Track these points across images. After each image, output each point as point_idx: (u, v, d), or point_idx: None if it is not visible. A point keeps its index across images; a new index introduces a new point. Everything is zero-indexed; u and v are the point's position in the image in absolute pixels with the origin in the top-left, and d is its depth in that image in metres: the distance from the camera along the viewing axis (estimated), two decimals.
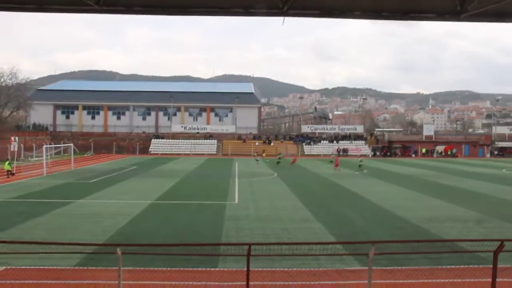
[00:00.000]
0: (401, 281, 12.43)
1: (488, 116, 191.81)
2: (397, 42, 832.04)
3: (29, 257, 11.53)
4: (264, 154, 79.67)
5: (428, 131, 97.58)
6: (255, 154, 62.40)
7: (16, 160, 50.77)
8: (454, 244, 15.76)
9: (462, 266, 13.85)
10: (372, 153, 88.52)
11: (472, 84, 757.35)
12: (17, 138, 60.97)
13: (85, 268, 13.51)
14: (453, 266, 13.90)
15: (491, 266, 9.02)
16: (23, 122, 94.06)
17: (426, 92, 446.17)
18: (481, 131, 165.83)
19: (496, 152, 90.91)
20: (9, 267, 12.93)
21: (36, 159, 59.33)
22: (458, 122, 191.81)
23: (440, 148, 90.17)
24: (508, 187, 36.51)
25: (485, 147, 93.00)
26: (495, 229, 20.14)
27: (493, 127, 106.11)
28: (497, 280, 9.07)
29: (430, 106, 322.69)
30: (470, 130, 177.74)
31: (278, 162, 60.15)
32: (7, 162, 42.24)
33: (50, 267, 12.89)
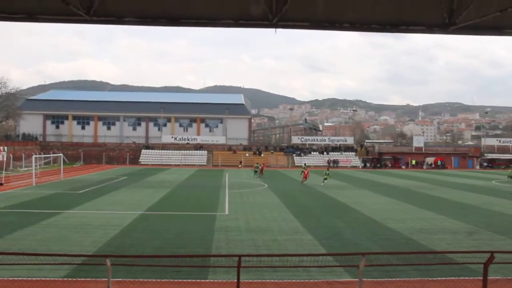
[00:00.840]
0: None
1: (477, 128, 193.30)
2: (386, 54, 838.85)
3: (17, 268, 11.40)
4: (240, 166, 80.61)
5: (418, 142, 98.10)
6: (256, 165, 62.04)
7: (5, 170, 50.38)
8: (445, 256, 15.80)
9: (453, 278, 13.88)
10: (363, 164, 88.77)
11: (462, 96, 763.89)
12: (6, 147, 60.65)
13: (74, 279, 13.36)
14: (443, 278, 13.92)
15: (482, 278, 9.04)
16: (13, 132, 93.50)
17: (415, 103, 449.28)
18: (470, 142, 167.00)
19: (485, 164, 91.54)
20: None
21: (25, 169, 58.89)
22: (448, 134, 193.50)
23: (430, 159, 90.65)
24: (498, 199, 36.71)
25: (474, 158, 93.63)
26: (485, 241, 20.22)
27: (482, 139, 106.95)
28: None
29: (420, 118, 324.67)
30: (459, 141, 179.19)
31: (256, 172, 59.86)
32: None
33: (38, 279, 12.74)
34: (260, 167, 60.97)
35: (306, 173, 50.92)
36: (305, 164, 74.12)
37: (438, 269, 14.42)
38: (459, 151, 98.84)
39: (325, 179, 47.62)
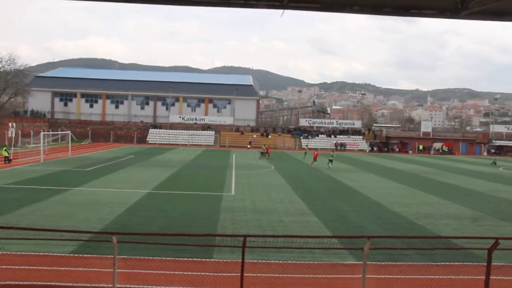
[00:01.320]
0: (395, 276, 12.48)
1: (486, 115, 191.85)
2: (396, 38, 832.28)
3: (24, 243, 11.53)
4: (249, 146, 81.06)
5: (426, 127, 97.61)
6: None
7: (14, 147, 50.69)
8: (449, 241, 15.81)
9: (457, 263, 13.92)
10: (370, 148, 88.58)
11: (471, 82, 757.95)
12: (14, 124, 60.95)
13: (81, 255, 13.53)
14: (447, 263, 13.97)
15: (485, 263, 9.06)
16: (21, 109, 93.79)
17: (424, 89, 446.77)
18: (478, 129, 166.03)
19: (493, 151, 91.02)
20: (5, 252, 12.94)
21: (34, 146, 59.20)
22: (456, 120, 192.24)
23: (437, 145, 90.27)
24: (504, 186, 36.62)
25: (482, 145, 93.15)
26: (490, 227, 20.23)
27: (491, 126, 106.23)
28: (490, 277, 9.10)
29: (429, 103, 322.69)
30: (467, 128, 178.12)
31: (262, 153, 59.96)
32: (4, 148, 42.19)
33: (45, 254, 12.90)
34: (265, 149, 61.17)
35: (316, 154, 51.16)
36: (307, 145, 74.38)
37: (442, 254, 14.46)
38: (467, 137, 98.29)
39: (330, 161, 47.75)
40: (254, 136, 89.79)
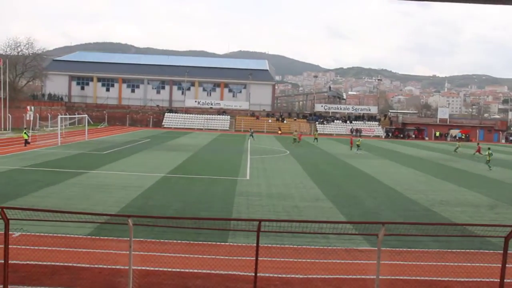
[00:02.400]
0: (410, 262, 12.47)
1: (505, 101, 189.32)
2: (413, 23, 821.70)
3: (43, 224, 11.69)
4: (280, 132, 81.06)
5: (442, 114, 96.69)
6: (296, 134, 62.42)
7: (32, 130, 51.25)
8: (465, 229, 15.72)
9: (472, 251, 13.85)
10: (385, 134, 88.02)
11: (490, 68, 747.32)
12: (32, 107, 61.63)
13: (98, 237, 13.73)
14: (462, 250, 13.91)
15: (502, 251, 9.00)
16: (39, 92, 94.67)
17: (442, 75, 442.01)
18: (497, 116, 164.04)
19: (511, 138, 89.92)
20: (24, 233, 13.17)
21: (51, 129, 59.86)
22: (474, 107, 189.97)
23: (454, 132, 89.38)
24: None
25: (500, 132, 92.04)
26: (507, 215, 20.06)
27: (510, 113, 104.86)
28: (507, 266, 9.05)
29: (446, 89, 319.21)
30: (485, 115, 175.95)
31: (295, 139, 58.45)
32: (24, 131, 42.72)
33: (63, 235, 13.10)
34: (298, 135, 60.10)
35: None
36: (317, 131, 74.65)
37: (457, 241, 14.40)
38: (485, 124, 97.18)
39: (358, 146, 48.60)
40: (270, 121, 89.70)
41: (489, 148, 39.92)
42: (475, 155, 48.49)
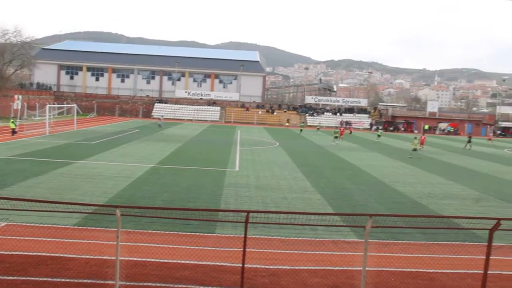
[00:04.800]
0: (396, 254, 12.57)
1: (494, 96, 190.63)
2: (404, 15, 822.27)
3: (29, 214, 11.66)
4: (288, 124, 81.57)
5: (432, 107, 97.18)
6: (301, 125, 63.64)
7: (19, 119, 50.85)
8: (451, 221, 15.88)
9: (458, 243, 14.02)
10: (369, 127, 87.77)
11: (479, 63, 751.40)
12: (20, 96, 60.98)
13: (85, 227, 13.68)
14: (448, 242, 14.06)
15: (486, 243, 9.10)
16: (27, 81, 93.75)
17: (432, 68, 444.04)
18: (485, 110, 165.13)
19: (498, 132, 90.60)
20: (10, 223, 13.10)
21: (39, 118, 59.41)
22: (463, 100, 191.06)
23: (443, 125, 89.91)
24: (508, 167, 36.56)
25: (488, 126, 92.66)
26: (492, 208, 20.27)
27: (498, 107, 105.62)
28: (491, 257, 9.15)
29: (436, 83, 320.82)
30: (474, 108, 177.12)
31: (336, 137, 56.93)
32: (12, 120, 42.35)
33: (50, 225, 13.06)
34: (339, 131, 58.24)
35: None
36: (339, 123, 75.89)
37: (443, 233, 14.53)
38: (473, 118, 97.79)
39: (379, 136, 49.81)
40: (260, 112, 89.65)
41: (415, 138, 42.61)
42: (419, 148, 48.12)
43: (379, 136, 60.69)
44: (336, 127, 64.69)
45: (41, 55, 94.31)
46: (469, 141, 53.90)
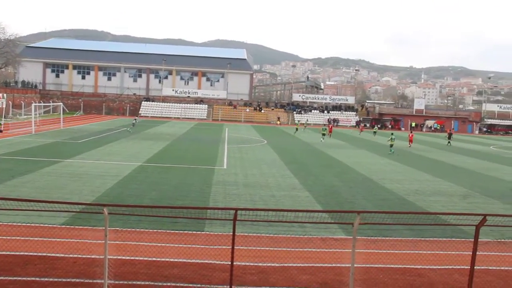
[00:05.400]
0: (384, 251, 12.64)
1: (479, 93, 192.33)
2: (391, 14, 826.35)
3: (16, 214, 11.55)
4: (279, 122, 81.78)
5: (419, 105, 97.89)
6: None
7: (4, 118, 50.36)
8: (438, 217, 16.02)
9: (445, 239, 14.15)
10: (363, 125, 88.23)
11: (465, 61, 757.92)
12: (5, 95, 60.44)
13: (72, 227, 13.59)
14: (436, 238, 14.17)
15: (473, 239, 9.19)
16: (12, 79, 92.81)
17: (418, 66, 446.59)
18: (471, 107, 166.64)
19: (484, 129, 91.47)
20: None
21: (25, 117, 58.85)
22: (449, 98, 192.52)
23: (430, 122, 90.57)
24: (494, 164, 36.91)
25: (474, 123, 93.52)
26: (479, 204, 20.45)
27: (483, 104, 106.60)
28: (477, 253, 9.25)
29: (422, 81, 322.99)
30: (460, 106, 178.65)
31: (324, 135, 56.29)
32: None
33: (37, 225, 12.94)
34: (328, 129, 57.15)
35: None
36: (327, 121, 74.96)
37: (431, 230, 14.65)
38: (459, 115, 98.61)
39: (375, 133, 48.75)
40: (247, 110, 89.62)
41: (392, 134, 44.39)
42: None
43: (375, 133, 62.54)
44: (324, 125, 65.01)
45: (26, 53, 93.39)
46: (449, 137, 54.81)
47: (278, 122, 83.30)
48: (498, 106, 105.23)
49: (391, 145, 41.57)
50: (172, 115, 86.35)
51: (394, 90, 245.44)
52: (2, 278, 9.79)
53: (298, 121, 74.09)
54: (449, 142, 54.05)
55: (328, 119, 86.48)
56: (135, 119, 52.40)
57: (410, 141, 49.35)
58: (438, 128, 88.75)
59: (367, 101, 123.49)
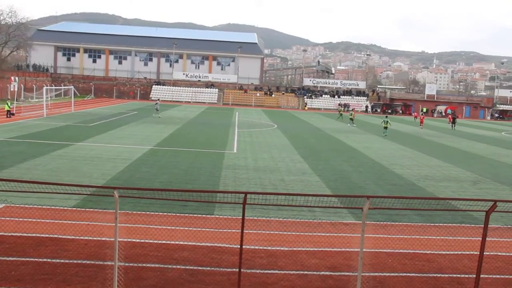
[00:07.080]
0: (393, 236, 12.64)
1: (492, 79, 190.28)
2: None
3: (28, 196, 11.68)
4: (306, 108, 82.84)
5: (430, 90, 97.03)
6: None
7: (16, 101, 50.64)
8: (448, 203, 15.96)
9: (455, 225, 14.11)
10: (364, 110, 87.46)
11: (478, 46, 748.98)
12: (17, 78, 60.64)
13: (83, 209, 13.73)
14: (445, 224, 14.15)
15: (482, 225, 9.16)
16: (23, 63, 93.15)
17: (430, 51, 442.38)
18: (483, 93, 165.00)
19: (496, 115, 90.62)
20: (9, 204, 13.12)
21: (36, 100, 59.13)
22: (461, 83, 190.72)
23: (441, 108, 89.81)
24: (505, 150, 36.64)
25: (486, 109, 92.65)
26: (489, 190, 20.35)
27: (496, 90, 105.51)
28: (487, 239, 9.22)
29: (434, 66, 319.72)
30: (472, 91, 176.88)
31: (341, 114, 57.98)
32: (7, 102, 42.18)
33: (48, 207, 13.07)
34: (345, 111, 55.34)
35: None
36: (338, 106, 74.42)
37: (440, 215, 14.62)
38: (471, 101, 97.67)
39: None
40: (258, 94, 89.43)
41: (386, 116, 45.47)
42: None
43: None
44: (341, 109, 65.16)
45: (37, 36, 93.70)
46: (453, 122, 54.87)
47: (306, 108, 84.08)
48: (510, 91, 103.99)
49: (385, 128, 42.63)
50: (182, 99, 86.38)
51: (406, 75, 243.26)
52: (14, 259, 9.93)
53: (340, 106, 75.35)
54: (453, 125, 54.51)
55: (339, 104, 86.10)
56: (156, 103, 52.67)
57: (421, 122, 50.20)
58: (450, 113, 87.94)
59: (378, 86, 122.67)
